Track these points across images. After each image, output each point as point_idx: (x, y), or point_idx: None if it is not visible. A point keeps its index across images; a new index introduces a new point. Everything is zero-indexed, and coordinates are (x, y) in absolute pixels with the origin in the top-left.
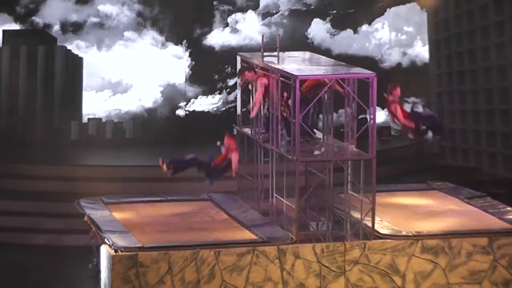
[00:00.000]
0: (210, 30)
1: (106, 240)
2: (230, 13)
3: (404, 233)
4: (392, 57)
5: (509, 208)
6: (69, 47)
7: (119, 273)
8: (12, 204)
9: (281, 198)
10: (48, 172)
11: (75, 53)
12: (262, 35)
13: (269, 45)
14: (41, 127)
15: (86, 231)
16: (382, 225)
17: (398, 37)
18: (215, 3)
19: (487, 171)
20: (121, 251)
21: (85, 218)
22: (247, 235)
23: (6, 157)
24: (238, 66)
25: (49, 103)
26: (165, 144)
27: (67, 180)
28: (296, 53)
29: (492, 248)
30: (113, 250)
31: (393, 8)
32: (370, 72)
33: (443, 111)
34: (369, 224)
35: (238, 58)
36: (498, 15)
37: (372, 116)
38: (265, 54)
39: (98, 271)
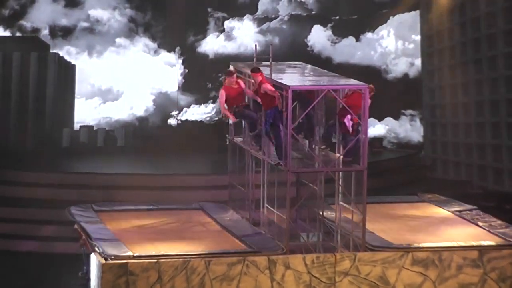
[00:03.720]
0: (204, 37)
1: (96, 248)
2: (224, 19)
3: (394, 245)
4: (399, 67)
5: (499, 222)
6: (60, 53)
7: (109, 281)
8: (1, 211)
9: (272, 209)
10: (39, 179)
11: (68, 59)
12: (255, 45)
13: (264, 55)
14: (32, 134)
15: (76, 239)
16: (373, 237)
17: (406, 46)
18: (209, 9)
19: (478, 184)
20: (111, 260)
21: (76, 226)
22: (238, 245)
23: None
24: None
25: (41, 110)
26: (156, 153)
27: (58, 187)
28: (289, 63)
29: (482, 261)
30: (103, 258)
31: (396, 16)
32: (362, 83)
33: (435, 124)
34: (360, 236)
35: (231, 68)
36: (490, 29)
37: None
38: (258, 64)
39: (88, 279)
